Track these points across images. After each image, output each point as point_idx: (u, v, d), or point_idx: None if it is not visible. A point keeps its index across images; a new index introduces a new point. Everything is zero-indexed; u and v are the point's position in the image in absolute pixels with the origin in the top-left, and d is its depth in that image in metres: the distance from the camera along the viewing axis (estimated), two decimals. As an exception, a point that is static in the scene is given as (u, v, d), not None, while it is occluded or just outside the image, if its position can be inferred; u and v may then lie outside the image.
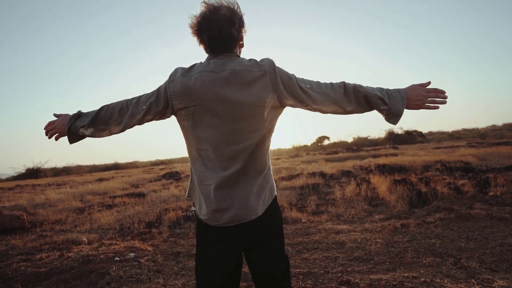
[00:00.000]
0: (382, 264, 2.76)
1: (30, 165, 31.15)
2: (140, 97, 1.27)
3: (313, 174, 9.49)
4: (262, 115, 1.14)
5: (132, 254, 3.35)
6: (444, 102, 1.23)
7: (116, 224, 5.32)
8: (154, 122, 1.27)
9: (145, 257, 3.29)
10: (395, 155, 13.99)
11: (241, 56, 1.29)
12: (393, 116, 1.21)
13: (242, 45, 1.27)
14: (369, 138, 32.51)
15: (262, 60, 1.17)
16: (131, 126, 1.27)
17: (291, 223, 4.38)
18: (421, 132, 30.06)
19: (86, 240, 4.27)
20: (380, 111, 1.22)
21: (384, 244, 3.24)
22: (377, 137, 31.61)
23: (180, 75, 1.18)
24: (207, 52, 1.21)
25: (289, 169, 12.98)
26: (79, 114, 1.31)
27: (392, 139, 27.18)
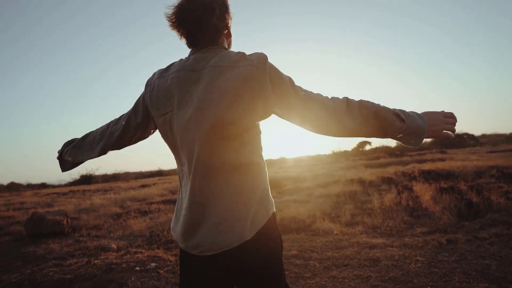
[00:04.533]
0: (422, 288, 2.39)
1: (84, 172, 33.61)
2: (122, 114, 1.16)
3: (351, 181, 9.00)
4: (246, 121, 0.93)
5: (153, 264, 3.29)
6: (453, 131, 1.02)
7: (146, 231, 5.37)
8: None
9: (166, 268, 3.21)
10: (443, 160, 12.89)
11: (231, 49, 1.11)
12: (414, 136, 0.96)
13: (229, 35, 1.08)
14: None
15: (251, 55, 0.97)
16: (111, 147, 1.16)
17: (322, 235, 4.07)
18: (473, 135, 27.65)
19: (115, 247, 4.33)
20: (397, 130, 0.96)
21: (426, 263, 2.83)
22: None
23: (157, 77, 1.03)
24: (188, 46, 1.04)
25: (326, 175, 12.51)
26: (72, 141, 1.27)
27: (440, 143, 25.26)
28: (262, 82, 0.92)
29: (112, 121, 1.18)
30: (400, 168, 11.64)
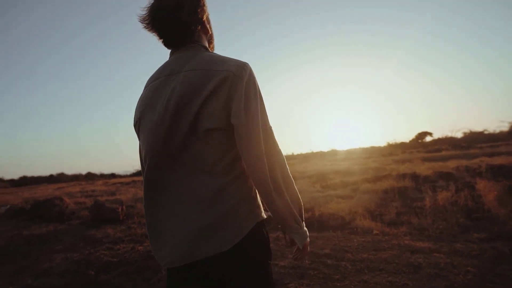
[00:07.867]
0: (468, 303, 2.12)
1: (145, 163, 36.57)
2: None
3: (403, 176, 8.38)
4: (214, 125, 0.86)
5: (189, 254, 3.42)
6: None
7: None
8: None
9: (200, 259, 3.32)
10: (519, 154, 11.32)
11: (214, 43, 1.07)
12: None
13: (206, 31, 1.01)
14: (485, 132, 27.43)
15: (233, 60, 0.89)
16: None
17: (360, 234, 3.85)
18: (561, 124, 23.75)
19: (159, 234, 4.60)
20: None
21: (479, 275, 2.50)
22: (497, 130, 26.39)
23: (143, 91, 1.02)
24: (165, 46, 1.00)
25: (377, 169, 11.84)
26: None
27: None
28: (234, 91, 0.85)
29: None
30: (464, 162, 10.54)
